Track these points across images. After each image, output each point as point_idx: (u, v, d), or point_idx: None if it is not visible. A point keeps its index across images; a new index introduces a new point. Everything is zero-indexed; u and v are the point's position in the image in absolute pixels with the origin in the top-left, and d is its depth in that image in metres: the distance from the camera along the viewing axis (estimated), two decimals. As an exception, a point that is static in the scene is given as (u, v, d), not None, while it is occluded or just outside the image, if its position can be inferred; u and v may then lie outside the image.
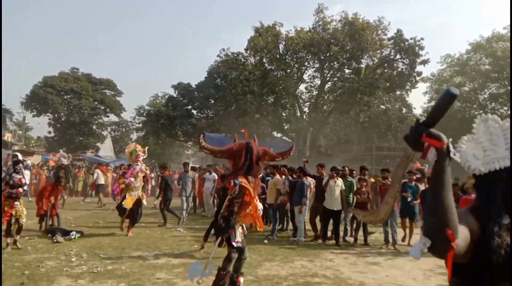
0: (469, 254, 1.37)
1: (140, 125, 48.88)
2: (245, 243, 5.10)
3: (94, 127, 47.60)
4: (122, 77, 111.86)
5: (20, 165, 7.74)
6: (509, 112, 33.31)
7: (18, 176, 7.42)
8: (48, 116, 45.39)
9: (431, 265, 7.39)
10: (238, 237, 4.93)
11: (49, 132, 47.39)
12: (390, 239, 9.05)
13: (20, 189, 7.38)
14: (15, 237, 7.32)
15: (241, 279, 4.95)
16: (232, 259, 4.93)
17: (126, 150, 10.18)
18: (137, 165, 9.44)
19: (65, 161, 14.39)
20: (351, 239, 9.49)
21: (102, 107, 48.01)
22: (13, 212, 7.19)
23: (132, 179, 9.17)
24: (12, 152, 17.24)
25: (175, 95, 45.40)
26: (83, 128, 45.05)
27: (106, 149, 41.27)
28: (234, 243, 4.84)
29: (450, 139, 1.36)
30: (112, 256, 7.04)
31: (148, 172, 10.36)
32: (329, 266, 6.97)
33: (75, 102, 44.30)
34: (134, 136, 54.96)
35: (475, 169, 1.48)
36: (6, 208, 7.15)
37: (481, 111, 32.77)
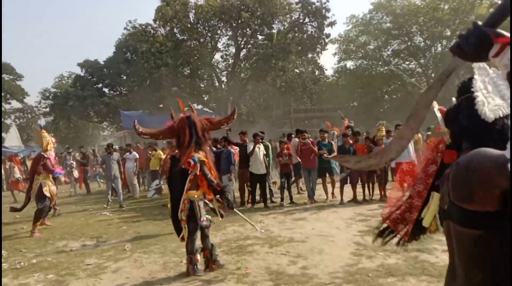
0: (496, 200, 1.23)
1: (48, 109, 45.31)
2: (209, 220, 4.97)
3: (-5, 116, 43.19)
4: (20, 59, 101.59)
5: None
6: (411, 65, 36.17)
7: None
8: None
9: (351, 214, 8.02)
10: (203, 216, 4.83)
11: None
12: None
13: None
14: None
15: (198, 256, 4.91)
16: (207, 235, 4.89)
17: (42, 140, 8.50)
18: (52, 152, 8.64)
19: None
20: (278, 200, 9.91)
21: (2, 94, 43.54)
22: None
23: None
24: None
25: (82, 74, 42.49)
26: (-19, 118, 40.62)
27: (12, 139, 37.76)
28: (200, 222, 4.74)
29: None
30: (35, 250, 6.64)
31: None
32: (260, 227, 7.24)
33: (-33, 89, 39.58)
34: (42, 121, 50.92)
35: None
36: None
37: (386, 67, 35.17)
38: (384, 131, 9.85)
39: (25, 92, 45.88)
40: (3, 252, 6.50)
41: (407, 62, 36.30)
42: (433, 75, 33.57)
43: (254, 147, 9.46)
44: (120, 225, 8.32)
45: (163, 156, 12.74)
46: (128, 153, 12.93)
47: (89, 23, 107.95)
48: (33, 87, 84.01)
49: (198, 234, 4.88)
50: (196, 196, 4.79)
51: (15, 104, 46.91)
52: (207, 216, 4.92)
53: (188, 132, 4.64)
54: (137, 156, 12.95)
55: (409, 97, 34.57)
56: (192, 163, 4.55)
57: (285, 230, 6.89)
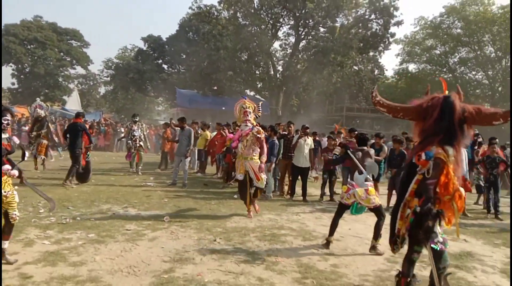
0: None
1: (109, 78, 47.50)
2: (447, 243, 3.55)
3: (60, 79, 45.92)
4: (89, 27, 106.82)
5: None
6: (477, 76, 34.24)
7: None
8: (11, 66, 43.27)
9: (392, 219, 7.79)
10: (439, 235, 3.48)
11: (13, 84, 45.40)
12: None
13: None
14: None
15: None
16: (414, 261, 3.67)
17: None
18: (246, 126, 7.18)
19: (42, 113, 11.50)
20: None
21: (68, 59, 46.15)
22: None
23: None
24: None
25: (145, 48, 44.02)
26: (48, 80, 43.36)
27: (73, 103, 39.94)
28: (434, 245, 3.41)
29: None
30: (81, 209, 7.05)
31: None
32: (295, 219, 7.24)
33: (39, 52, 42.30)
34: (102, 89, 53.53)
35: None
36: None
37: (450, 75, 33.49)
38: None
39: (90, 60, 48.15)
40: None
41: (473, 72, 34.37)
42: (500, 89, 31.57)
43: (298, 139, 9.42)
44: (162, 197, 8.62)
45: (209, 137, 12.99)
46: (179, 130, 13.24)
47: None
48: (98, 56, 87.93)
49: None
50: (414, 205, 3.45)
51: (79, 70, 49.39)
52: (443, 236, 3.56)
53: (438, 116, 3.39)
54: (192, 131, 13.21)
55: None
56: (423, 158, 3.44)
57: (321, 226, 6.83)
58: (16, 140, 4.88)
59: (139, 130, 12.17)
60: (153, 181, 10.86)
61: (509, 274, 4.81)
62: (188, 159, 10.91)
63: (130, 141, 12.16)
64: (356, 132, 10.16)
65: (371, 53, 32.78)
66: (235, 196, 9.02)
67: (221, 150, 11.61)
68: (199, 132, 13.16)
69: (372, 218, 7.77)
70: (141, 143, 12.20)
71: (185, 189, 9.95)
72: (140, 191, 9.29)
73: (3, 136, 4.45)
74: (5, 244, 4.36)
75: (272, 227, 6.49)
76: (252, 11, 30.29)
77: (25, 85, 43.78)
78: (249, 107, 7.27)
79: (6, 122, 4.50)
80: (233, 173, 11.03)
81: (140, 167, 12.28)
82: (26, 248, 4.80)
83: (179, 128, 13.35)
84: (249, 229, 6.26)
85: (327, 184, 9.84)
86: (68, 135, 9.72)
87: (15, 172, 4.40)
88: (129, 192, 9.07)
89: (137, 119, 12.43)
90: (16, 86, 45.01)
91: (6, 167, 4.33)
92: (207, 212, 7.39)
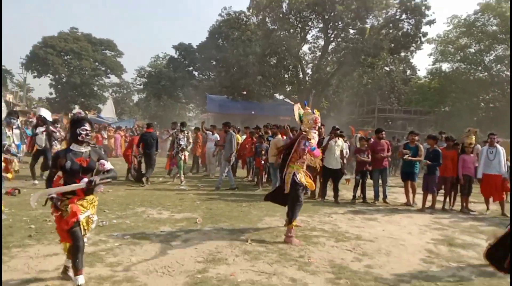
0: None
1: (141, 86, 48.78)
2: None
3: (95, 88, 47.53)
4: (122, 37, 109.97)
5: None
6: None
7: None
8: (49, 77, 45.28)
9: (427, 221, 7.61)
10: None
11: (51, 93, 47.43)
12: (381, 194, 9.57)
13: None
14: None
15: None
16: None
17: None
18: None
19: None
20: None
21: (103, 68, 47.73)
22: None
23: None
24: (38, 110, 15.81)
25: (176, 56, 44.90)
26: (84, 89, 44.98)
27: (108, 111, 41.32)
28: None
29: None
30: (117, 212, 7.24)
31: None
32: (327, 221, 7.17)
33: (75, 63, 43.98)
34: (135, 97, 54.96)
35: None
36: None
37: (486, 73, 32.30)
38: (473, 139, 9.10)
39: (123, 69, 49.60)
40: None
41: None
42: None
43: (328, 141, 9.36)
44: (194, 200, 8.74)
45: (240, 141, 13.06)
46: (210, 134, 13.42)
47: (187, 7, 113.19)
48: (131, 65, 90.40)
49: None
50: None
51: (113, 78, 50.95)
52: None
53: None
54: (218, 137, 13.35)
55: (509, 107, 31.40)
56: None
57: (354, 227, 6.74)
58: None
59: (185, 139, 11.59)
60: (186, 185, 11.02)
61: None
62: (231, 162, 10.86)
63: (175, 150, 11.37)
64: (383, 132, 10.03)
65: (402, 54, 32.16)
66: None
67: (252, 154, 11.68)
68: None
69: (406, 219, 7.62)
70: (186, 152, 11.70)
71: (218, 192, 10.05)
72: (173, 194, 9.45)
73: (83, 149, 3.75)
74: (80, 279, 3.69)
75: (304, 229, 6.46)
76: (281, 15, 30.35)
77: (62, 95, 45.57)
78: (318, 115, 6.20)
79: (85, 132, 3.75)
80: (264, 176, 11.15)
81: (182, 176, 11.48)
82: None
83: (209, 132, 13.59)
84: (281, 230, 6.25)
85: (360, 185, 9.69)
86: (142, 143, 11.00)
87: (102, 188, 3.90)
88: (163, 195, 9.25)
89: (184, 129, 11.86)
90: (53, 95, 46.88)
91: (85, 180, 3.62)
92: (238, 214, 7.44)
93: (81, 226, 3.70)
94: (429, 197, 8.94)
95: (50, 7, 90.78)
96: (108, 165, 3.79)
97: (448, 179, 8.92)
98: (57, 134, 10.96)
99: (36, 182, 9.84)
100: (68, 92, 45.03)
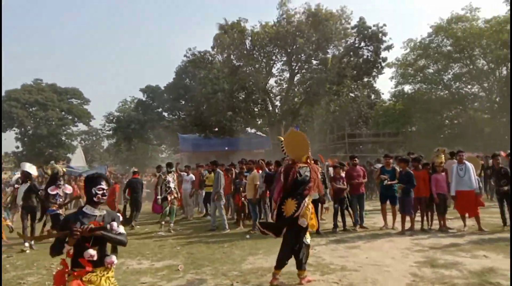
0: None
1: (111, 132, 48.12)
2: None
3: (63, 138, 46.68)
4: (88, 84, 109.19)
5: None
6: (473, 89, 34.53)
7: None
8: (14, 130, 44.12)
9: (408, 243, 7.68)
10: None
11: (17, 147, 46.12)
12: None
13: None
14: None
15: None
16: None
17: None
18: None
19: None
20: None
21: (70, 117, 47.09)
22: None
23: None
24: None
25: (144, 99, 44.85)
26: (51, 139, 44.08)
27: (77, 160, 40.23)
28: None
29: None
30: (94, 266, 6.95)
31: None
32: (311, 254, 7.10)
33: (41, 114, 43.26)
34: (105, 143, 54.12)
35: None
36: None
37: (446, 91, 33.77)
38: (443, 157, 9.40)
39: (91, 116, 49.13)
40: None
41: (469, 86, 34.69)
42: (497, 99, 31.77)
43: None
44: (174, 245, 8.53)
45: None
46: (185, 174, 13.28)
47: (152, 51, 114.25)
48: (99, 111, 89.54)
49: None
50: None
51: (81, 126, 50.26)
52: None
53: None
54: (194, 178, 13.22)
55: (472, 122, 32.73)
56: None
57: (338, 258, 6.72)
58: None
59: (173, 181, 10.91)
60: (163, 230, 10.76)
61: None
62: (221, 202, 10.55)
63: (163, 194, 10.65)
64: (356, 158, 10.22)
65: (365, 79, 33.31)
66: (247, 236, 8.95)
67: (230, 191, 11.59)
68: (205, 174, 13.03)
69: (388, 244, 7.67)
70: (175, 195, 10.91)
71: (198, 234, 9.86)
72: (152, 242, 9.20)
73: (97, 212, 3.21)
74: None
75: (288, 265, 6.37)
76: (245, 52, 31.07)
77: (29, 147, 44.44)
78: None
79: (101, 192, 3.25)
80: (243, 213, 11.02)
81: (172, 224, 10.69)
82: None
83: (184, 173, 13.45)
84: (265, 269, 6.16)
85: (339, 213, 9.72)
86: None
87: (113, 259, 3.27)
88: (141, 243, 8.98)
89: (172, 170, 11.21)
90: (20, 149, 45.62)
91: (90, 253, 3.09)
92: (220, 256, 7.29)
93: None
94: (407, 218, 9.06)
95: (9, 61, 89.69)
96: (119, 229, 3.23)
97: (422, 199, 9.09)
98: (60, 191, 9.25)
99: (27, 245, 8.61)
100: (35, 144, 44.00)
